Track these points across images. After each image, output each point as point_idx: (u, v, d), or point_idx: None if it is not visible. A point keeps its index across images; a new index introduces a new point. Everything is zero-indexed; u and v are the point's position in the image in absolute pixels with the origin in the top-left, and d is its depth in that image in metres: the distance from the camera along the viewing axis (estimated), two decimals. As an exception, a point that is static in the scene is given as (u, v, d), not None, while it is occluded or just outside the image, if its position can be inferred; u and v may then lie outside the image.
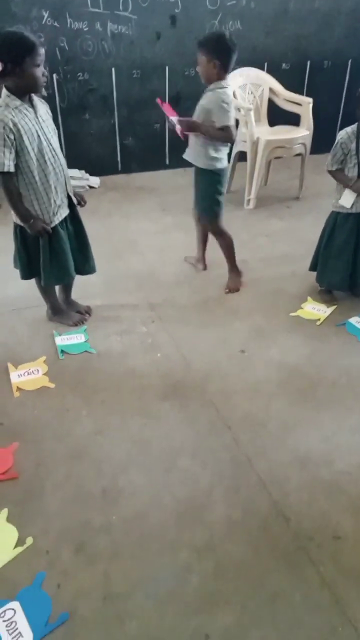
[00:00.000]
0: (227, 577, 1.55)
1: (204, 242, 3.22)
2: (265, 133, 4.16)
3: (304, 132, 4.21)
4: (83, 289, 2.88)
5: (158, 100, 2.82)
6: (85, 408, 2.19)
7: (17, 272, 2.54)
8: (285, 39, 4.92)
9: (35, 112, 2.22)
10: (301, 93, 4.67)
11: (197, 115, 2.71)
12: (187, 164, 2.91)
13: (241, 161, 4.28)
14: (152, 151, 4.91)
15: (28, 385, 2.32)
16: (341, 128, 2.69)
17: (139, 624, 1.44)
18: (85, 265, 2.65)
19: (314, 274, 2.99)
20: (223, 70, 2.60)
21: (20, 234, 2.41)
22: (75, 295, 2.83)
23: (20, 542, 1.64)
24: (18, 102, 2.16)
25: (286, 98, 4.42)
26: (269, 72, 4.59)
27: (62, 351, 2.52)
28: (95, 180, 4.71)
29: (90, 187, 4.63)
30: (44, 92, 2.32)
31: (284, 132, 4.23)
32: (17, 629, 1.42)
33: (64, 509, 1.76)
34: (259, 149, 4.06)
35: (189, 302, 2.96)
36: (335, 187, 2.77)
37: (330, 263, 2.86)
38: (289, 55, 5.01)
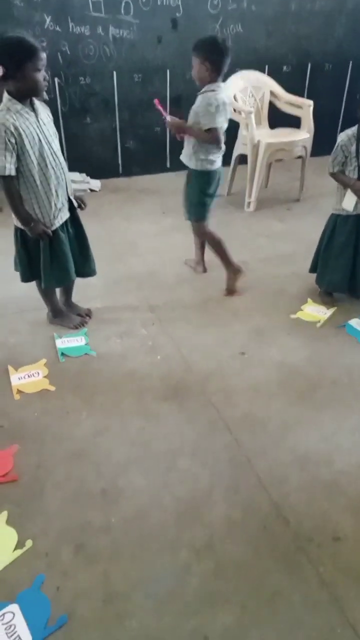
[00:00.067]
0: (226, 577, 1.55)
1: (202, 244, 3.23)
2: (265, 136, 4.18)
3: (304, 135, 4.22)
4: (83, 291, 2.89)
5: (156, 102, 2.84)
6: (85, 410, 2.19)
7: (18, 274, 2.55)
8: (286, 41, 4.94)
9: (37, 116, 2.23)
10: (302, 95, 4.69)
11: (189, 118, 2.74)
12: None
13: (242, 164, 4.30)
14: (153, 154, 4.93)
15: (28, 387, 2.32)
16: (342, 130, 2.70)
17: (139, 624, 1.44)
18: (85, 267, 2.66)
19: (315, 275, 3.00)
20: (215, 73, 2.63)
21: (21, 237, 2.42)
22: (75, 297, 2.84)
23: (19, 544, 1.64)
24: (19, 105, 2.17)
25: (287, 101, 4.44)
26: (269, 74, 4.61)
27: (63, 354, 2.53)
28: (96, 183, 4.73)
29: (91, 190, 4.65)
30: (45, 96, 2.34)
31: (284, 135, 4.24)
32: (16, 631, 1.42)
33: (63, 510, 1.76)
34: (259, 152, 4.07)
35: (189, 304, 2.96)
36: (336, 189, 2.77)
37: (330, 265, 2.87)
38: (290, 57, 5.03)
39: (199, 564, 1.58)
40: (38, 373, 2.40)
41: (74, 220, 2.53)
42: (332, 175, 2.73)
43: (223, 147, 2.82)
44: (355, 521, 1.72)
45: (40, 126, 2.24)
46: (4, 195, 2.27)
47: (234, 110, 4.13)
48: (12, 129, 2.12)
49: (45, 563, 1.59)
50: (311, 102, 4.28)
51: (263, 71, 4.66)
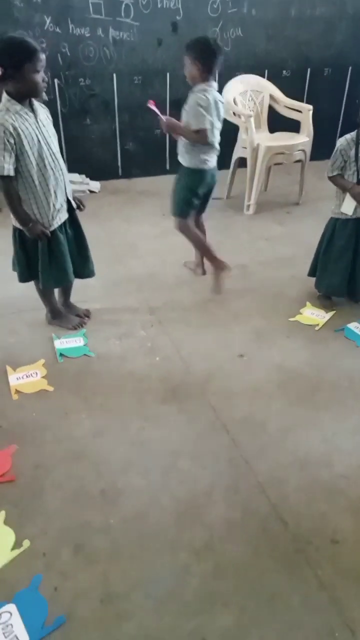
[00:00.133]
0: (225, 578, 1.55)
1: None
2: (265, 139, 4.19)
3: (304, 139, 4.23)
4: (83, 292, 2.89)
5: (151, 103, 2.84)
6: (84, 411, 2.19)
7: (16, 274, 2.54)
8: (286, 46, 4.95)
9: (36, 117, 2.23)
10: (301, 100, 4.71)
11: (182, 117, 2.77)
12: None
13: (241, 167, 4.31)
14: (153, 156, 4.94)
15: (26, 388, 2.31)
16: (341, 135, 2.71)
17: (138, 624, 1.43)
18: (84, 269, 2.66)
19: (314, 279, 3.00)
20: (206, 73, 2.66)
21: (19, 237, 2.42)
22: (74, 298, 2.84)
23: (17, 544, 1.64)
24: (18, 106, 2.17)
25: (286, 105, 4.45)
26: (269, 79, 4.63)
27: (61, 354, 2.52)
28: (95, 185, 4.73)
29: (91, 191, 4.65)
30: (45, 97, 2.34)
31: (284, 139, 4.25)
32: (13, 632, 1.42)
33: (62, 510, 1.75)
34: (259, 155, 4.08)
35: (189, 306, 2.96)
36: (335, 193, 2.78)
37: (329, 269, 2.87)
38: (290, 62, 5.05)
39: (198, 565, 1.58)
40: (36, 373, 2.40)
41: (72, 222, 2.54)
42: (331, 178, 2.73)
43: (217, 146, 2.84)
44: (354, 523, 1.72)
45: (39, 127, 2.24)
46: (3, 196, 2.27)
47: (234, 113, 4.15)
48: (11, 129, 2.12)
49: (44, 563, 1.59)
50: (310, 107, 4.29)
51: (263, 75, 4.68)
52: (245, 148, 4.16)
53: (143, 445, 2.02)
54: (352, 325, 2.76)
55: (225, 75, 4.45)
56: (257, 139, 4.08)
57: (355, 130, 2.62)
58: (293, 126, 4.37)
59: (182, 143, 2.86)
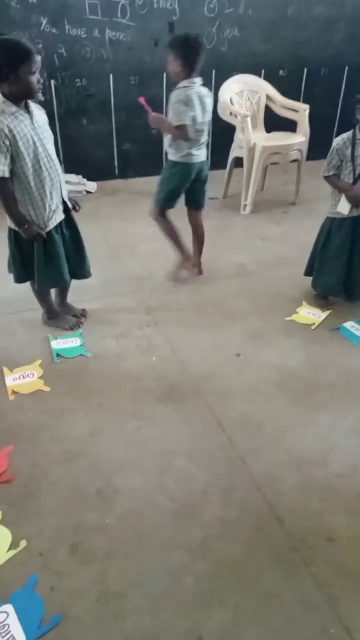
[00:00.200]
0: (221, 577, 1.55)
1: (199, 247, 3.23)
2: (261, 139, 4.19)
3: (300, 139, 4.24)
4: (80, 292, 2.89)
5: (141, 99, 2.84)
6: (81, 411, 2.19)
7: (12, 275, 2.55)
8: (283, 46, 4.97)
9: (31, 118, 2.23)
10: (298, 99, 4.72)
11: (168, 113, 2.79)
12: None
13: (238, 167, 4.32)
14: (150, 156, 4.94)
15: (23, 388, 2.32)
16: (337, 134, 2.72)
17: (134, 623, 1.44)
18: (80, 269, 2.66)
19: (310, 278, 3.01)
20: (188, 69, 2.68)
21: (15, 238, 2.42)
22: (71, 298, 2.84)
23: (14, 544, 1.64)
24: (14, 108, 2.17)
25: (283, 105, 4.46)
26: (266, 78, 4.64)
27: (58, 355, 2.53)
28: (92, 185, 4.73)
29: (87, 192, 4.65)
30: (40, 98, 2.34)
31: (280, 138, 4.26)
32: (9, 631, 1.42)
33: (59, 510, 1.76)
34: (255, 155, 4.09)
35: (185, 305, 2.97)
36: (331, 193, 2.79)
37: (325, 268, 2.88)
38: (286, 62, 5.06)
39: (195, 564, 1.58)
40: (33, 374, 2.40)
41: (68, 222, 2.54)
42: (326, 178, 2.74)
43: (203, 139, 2.85)
44: (349, 522, 1.73)
45: (34, 128, 2.24)
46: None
47: (230, 113, 4.16)
48: (7, 131, 2.12)
49: (40, 563, 1.59)
50: (307, 106, 4.30)
51: (259, 75, 4.69)
52: (241, 148, 4.17)
53: (139, 445, 2.02)
54: (348, 324, 2.77)
55: (222, 75, 4.47)
56: (253, 138, 4.09)
57: (352, 130, 2.62)
58: (289, 126, 4.38)
59: (166, 137, 2.89)
